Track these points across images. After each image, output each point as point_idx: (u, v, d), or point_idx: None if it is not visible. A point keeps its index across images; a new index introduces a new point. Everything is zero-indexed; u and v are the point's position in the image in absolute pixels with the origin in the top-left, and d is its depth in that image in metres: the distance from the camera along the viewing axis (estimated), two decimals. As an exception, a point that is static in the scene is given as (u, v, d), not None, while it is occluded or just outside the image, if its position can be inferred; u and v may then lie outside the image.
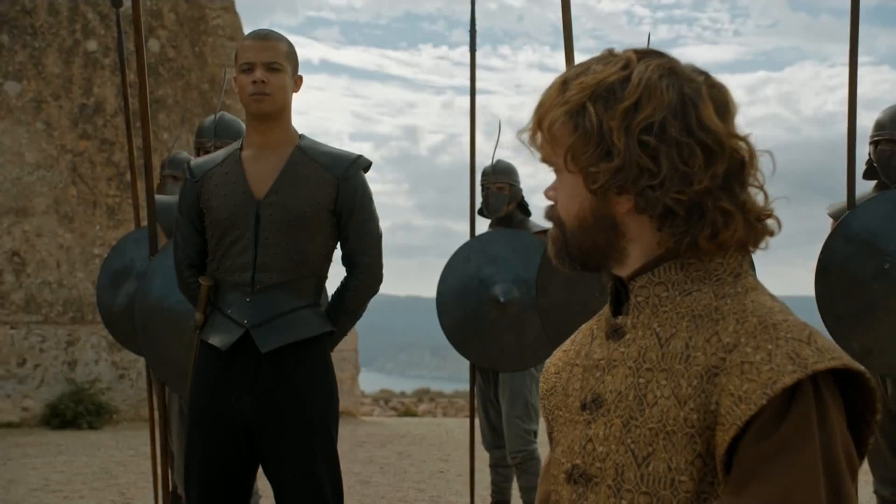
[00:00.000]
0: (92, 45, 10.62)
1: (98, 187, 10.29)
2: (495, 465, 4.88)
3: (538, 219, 4.90)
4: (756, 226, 1.25)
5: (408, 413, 15.07)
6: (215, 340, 2.88)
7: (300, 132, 3.01)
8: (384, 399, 18.89)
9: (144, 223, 4.71)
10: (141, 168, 4.54)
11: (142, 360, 6.60)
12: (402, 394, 20.35)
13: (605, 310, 1.36)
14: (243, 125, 4.25)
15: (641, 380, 1.25)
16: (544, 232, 4.70)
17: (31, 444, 8.04)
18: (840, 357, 1.16)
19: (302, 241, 2.88)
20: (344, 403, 11.24)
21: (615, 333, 1.30)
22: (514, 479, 4.85)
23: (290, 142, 2.96)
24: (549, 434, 1.40)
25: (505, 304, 4.43)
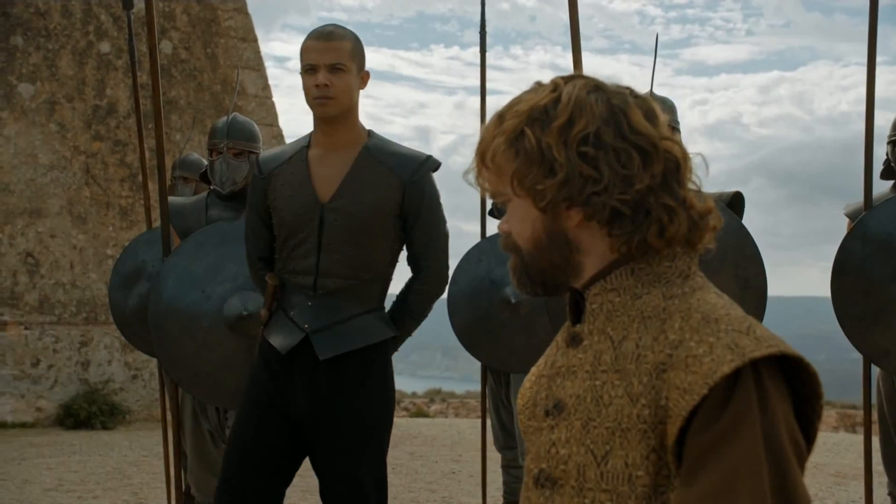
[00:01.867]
0: (105, 46, 10.66)
1: (111, 188, 10.33)
2: (507, 466, 4.88)
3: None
4: (699, 222, 1.32)
5: (419, 414, 15.08)
6: (276, 341, 2.87)
7: (368, 128, 2.94)
8: (396, 399, 18.84)
9: (156, 224, 4.72)
10: (153, 169, 4.57)
11: (154, 361, 6.62)
12: (414, 394, 20.39)
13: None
14: (256, 127, 4.25)
15: (597, 382, 1.30)
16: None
17: (45, 444, 8.08)
18: (777, 345, 1.20)
19: (365, 246, 2.83)
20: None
21: (573, 341, 1.36)
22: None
23: (357, 142, 2.88)
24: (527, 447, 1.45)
25: (516, 304, 4.43)
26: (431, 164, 2.88)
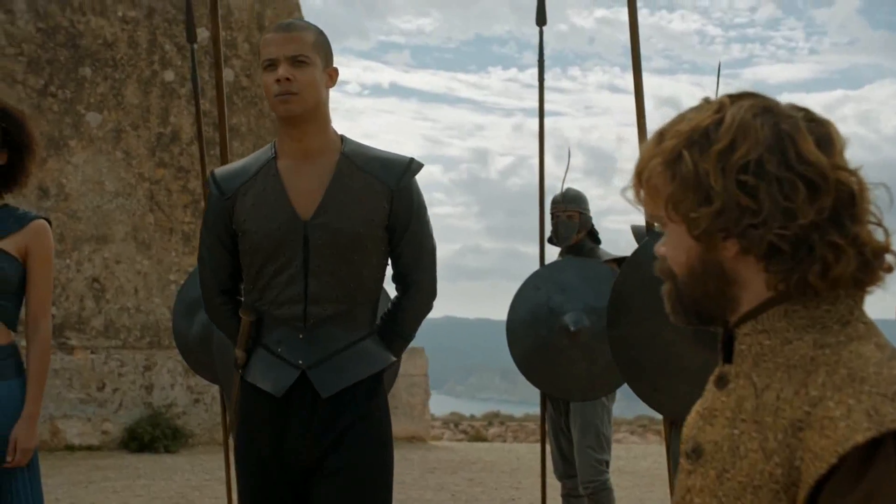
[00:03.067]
0: (169, 75, 10.89)
1: (174, 214, 10.52)
2: (567, 495, 4.84)
3: (608, 246, 4.88)
4: (872, 262, 1.20)
5: (478, 438, 15.03)
6: (266, 385, 2.53)
7: (340, 133, 2.62)
8: (454, 422, 18.89)
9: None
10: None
11: (216, 384, 6.71)
12: (472, 417, 20.31)
13: None
14: None
15: (736, 431, 1.23)
16: (615, 260, 4.67)
17: (110, 468, 8.21)
18: None
19: (357, 265, 2.52)
20: (414, 428, 11.27)
21: (720, 382, 1.28)
22: (586, 510, 4.79)
23: (332, 148, 2.56)
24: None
25: (575, 332, 4.40)
26: (416, 167, 2.59)
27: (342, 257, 2.50)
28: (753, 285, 1.23)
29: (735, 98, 1.24)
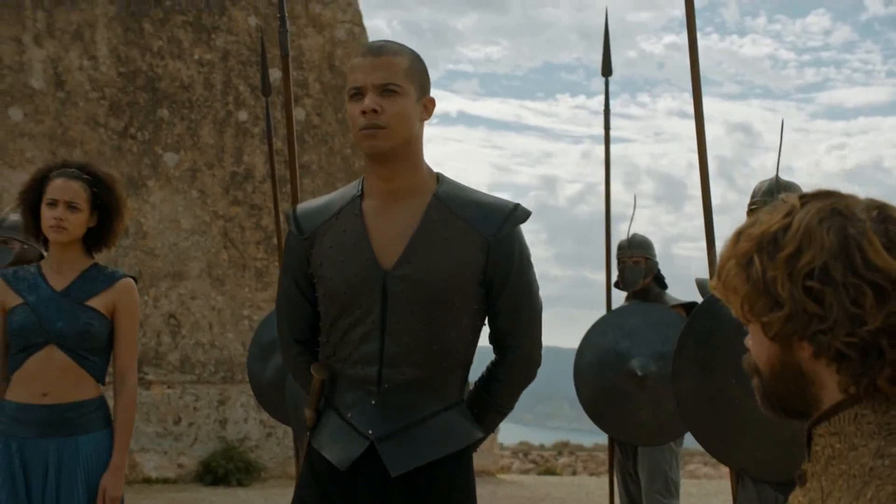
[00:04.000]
0: (243, 115, 11.18)
1: (247, 251, 10.77)
2: (635, 539, 4.85)
3: (675, 291, 4.91)
4: None
5: (547, 471, 14.99)
6: (332, 455, 2.24)
7: (436, 171, 2.32)
8: (523, 452, 18.83)
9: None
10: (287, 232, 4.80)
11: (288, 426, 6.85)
12: (542, 447, 20.21)
13: None
14: None
15: None
16: (682, 306, 4.70)
17: (186, 501, 8.40)
18: None
19: (442, 324, 2.20)
20: (483, 462, 11.31)
21: (800, 478, 1.28)
22: (655, 554, 4.80)
23: (424, 188, 2.26)
24: None
25: (642, 377, 4.44)
26: (520, 216, 2.26)
27: (425, 315, 2.18)
28: (830, 386, 1.24)
29: (806, 199, 1.26)
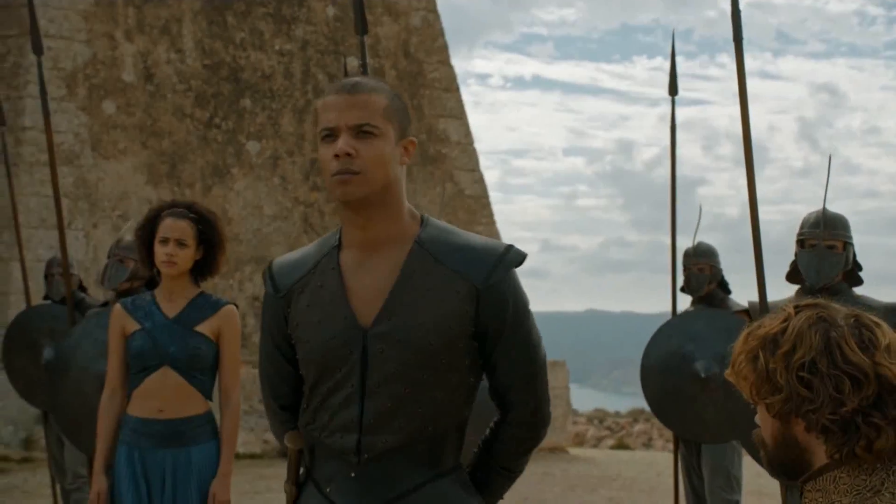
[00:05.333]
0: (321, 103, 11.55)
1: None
2: (699, 530, 5.10)
3: (738, 297, 5.11)
4: None
5: (621, 444, 15.24)
6: None
7: (420, 213, 2.10)
8: (598, 419, 19.05)
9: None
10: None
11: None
12: (617, 413, 20.39)
13: None
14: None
15: None
16: (745, 311, 4.90)
17: (272, 477, 8.87)
18: None
19: (429, 386, 1.98)
20: (555, 439, 11.62)
21: None
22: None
23: (405, 236, 2.03)
24: None
25: (706, 379, 4.67)
26: (513, 259, 2.03)
27: (409, 376, 1.97)
28: (818, 453, 1.57)
29: (800, 309, 1.61)
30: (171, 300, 3.33)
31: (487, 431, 2.13)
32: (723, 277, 5.10)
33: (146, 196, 10.43)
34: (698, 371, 4.68)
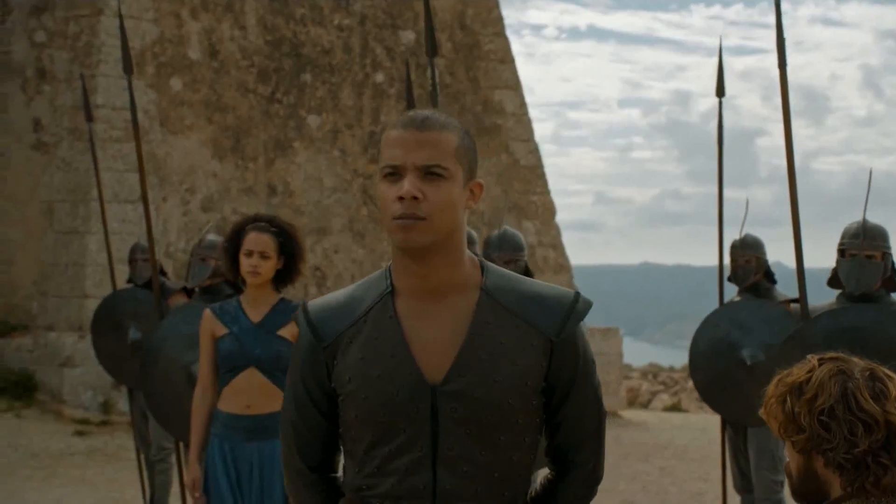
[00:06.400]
0: (379, 76, 11.80)
1: (386, 206, 11.51)
2: (745, 507, 5.38)
3: (784, 287, 5.32)
4: None
5: (674, 407, 15.44)
6: None
7: (477, 257, 1.94)
8: (652, 373, 19.23)
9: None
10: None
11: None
12: (671, 368, 20.55)
13: None
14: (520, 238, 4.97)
15: None
16: (789, 301, 5.12)
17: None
18: None
19: (505, 448, 1.86)
20: (609, 405, 11.90)
21: None
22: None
23: (468, 283, 1.88)
24: None
25: (752, 366, 4.91)
26: (582, 309, 1.92)
27: (486, 438, 1.84)
28: (835, 486, 1.88)
29: (823, 361, 1.90)
30: (255, 306, 3.66)
31: (539, 490, 2.00)
32: (769, 268, 5.31)
33: (212, 170, 10.82)
34: (744, 358, 4.92)
